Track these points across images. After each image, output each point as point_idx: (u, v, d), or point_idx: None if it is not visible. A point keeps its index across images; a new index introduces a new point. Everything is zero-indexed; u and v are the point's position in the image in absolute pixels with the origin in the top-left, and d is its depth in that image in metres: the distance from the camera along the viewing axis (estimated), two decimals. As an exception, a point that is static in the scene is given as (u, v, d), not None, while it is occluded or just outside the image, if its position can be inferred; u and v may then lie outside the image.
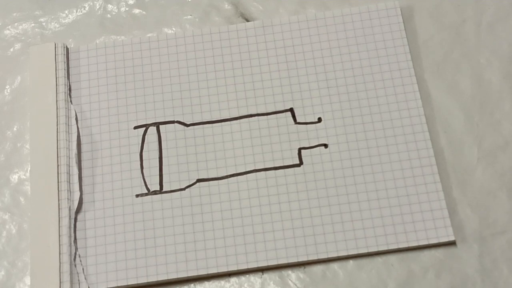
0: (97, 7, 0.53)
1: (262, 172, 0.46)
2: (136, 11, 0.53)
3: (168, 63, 0.50)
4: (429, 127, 0.46)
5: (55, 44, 0.50)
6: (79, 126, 0.48)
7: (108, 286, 0.44)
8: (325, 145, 0.47)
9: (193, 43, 0.50)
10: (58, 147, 0.47)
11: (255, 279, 0.44)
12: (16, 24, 0.53)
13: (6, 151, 0.49)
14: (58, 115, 0.48)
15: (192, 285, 0.44)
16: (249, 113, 0.48)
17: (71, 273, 0.43)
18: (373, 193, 0.45)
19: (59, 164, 0.46)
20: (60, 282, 0.43)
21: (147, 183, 0.46)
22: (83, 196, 0.46)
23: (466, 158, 0.46)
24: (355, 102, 0.47)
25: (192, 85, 0.49)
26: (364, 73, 0.48)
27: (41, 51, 0.50)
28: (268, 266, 0.44)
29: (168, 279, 0.44)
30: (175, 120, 0.48)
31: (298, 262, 0.43)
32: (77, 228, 0.45)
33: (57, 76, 0.49)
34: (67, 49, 0.50)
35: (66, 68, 0.49)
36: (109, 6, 0.53)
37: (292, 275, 0.44)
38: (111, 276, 0.44)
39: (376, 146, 0.46)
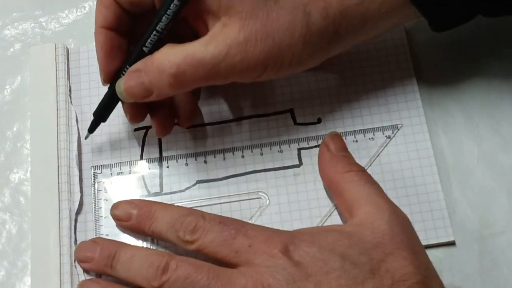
0: (97, 7, 0.53)
1: (262, 173, 0.46)
2: (136, 11, 0.53)
3: (168, 63, 0.49)
4: (429, 127, 0.46)
5: (55, 45, 0.50)
6: (79, 127, 0.48)
7: (109, 287, 0.44)
8: (325, 145, 0.46)
9: (193, 44, 0.50)
10: (59, 148, 0.47)
11: (255, 279, 0.44)
12: (16, 24, 0.53)
13: (6, 151, 0.49)
14: (58, 116, 0.47)
15: (192, 285, 0.44)
16: (249, 114, 0.48)
17: (71, 274, 0.43)
18: (373, 193, 0.45)
19: (59, 164, 0.46)
20: (60, 283, 0.43)
21: (147, 185, 0.46)
22: (84, 198, 0.46)
23: (466, 158, 0.46)
24: (355, 102, 0.47)
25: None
26: (364, 73, 0.48)
27: (41, 51, 0.50)
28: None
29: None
30: (175, 122, 0.48)
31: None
32: (77, 230, 0.45)
33: (58, 76, 0.49)
34: (67, 49, 0.50)
35: (66, 69, 0.49)
36: (109, 6, 0.53)
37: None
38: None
39: (376, 146, 0.46)
